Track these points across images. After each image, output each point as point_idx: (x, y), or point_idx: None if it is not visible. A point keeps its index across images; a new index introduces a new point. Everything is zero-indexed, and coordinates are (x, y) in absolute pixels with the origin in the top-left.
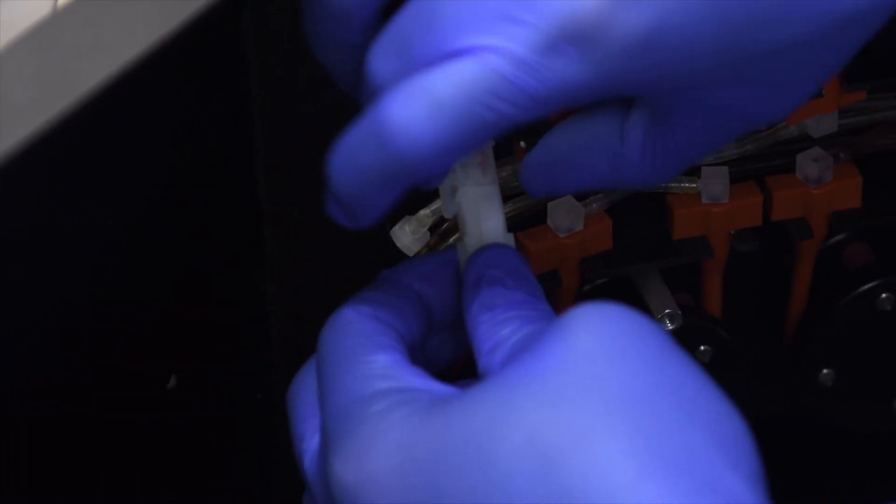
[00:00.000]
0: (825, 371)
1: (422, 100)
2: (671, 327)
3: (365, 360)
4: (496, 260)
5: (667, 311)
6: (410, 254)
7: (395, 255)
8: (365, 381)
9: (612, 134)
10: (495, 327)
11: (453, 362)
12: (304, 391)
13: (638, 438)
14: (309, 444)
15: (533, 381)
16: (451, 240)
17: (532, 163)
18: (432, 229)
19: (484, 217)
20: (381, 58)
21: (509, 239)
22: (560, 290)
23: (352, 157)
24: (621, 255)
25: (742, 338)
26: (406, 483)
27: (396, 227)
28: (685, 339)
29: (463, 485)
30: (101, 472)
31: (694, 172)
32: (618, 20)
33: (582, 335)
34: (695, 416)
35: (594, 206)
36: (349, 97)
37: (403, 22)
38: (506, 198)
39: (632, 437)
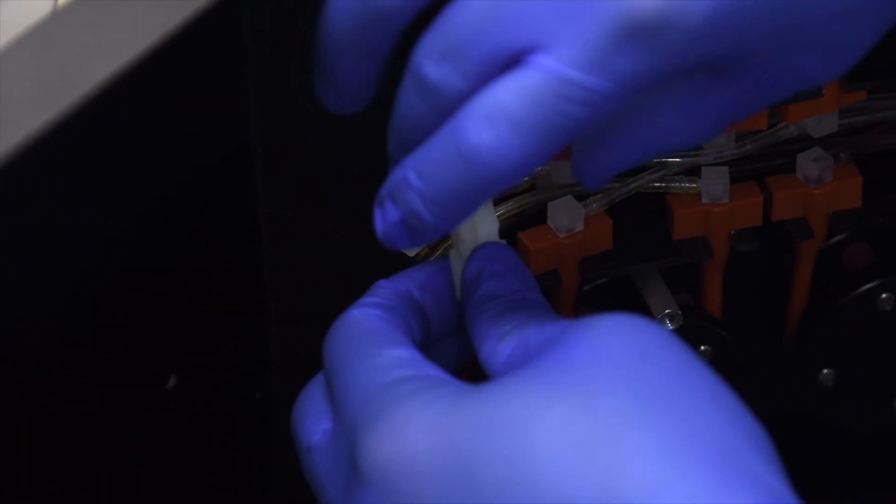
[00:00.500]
0: (825, 371)
1: (503, 121)
2: (671, 327)
3: (382, 352)
4: (495, 255)
5: (667, 311)
6: (411, 254)
7: (393, 257)
8: (387, 370)
9: (654, 102)
10: (499, 317)
11: (453, 371)
12: (307, 404)
13: (676, 432)
14: (319, 441)
15: (568, 374)
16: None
17: (579, 153)
18: None
19: (479, 224)
20: (434, 62)
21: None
22: (560, 290)
23: (436, 179)
24: (621, 255)
25: (742, 338)
26: (439, 464)
27: None
28: (685, 339)
29: (497, 468)
30: (99, 471)
31: (694, 172)
32: (678, 9)
33: (614, 336)
34: (728, 415)
35: (594, 206)
36: None
37: (454, 22)
38: (506, 197)
39: (669, 430)
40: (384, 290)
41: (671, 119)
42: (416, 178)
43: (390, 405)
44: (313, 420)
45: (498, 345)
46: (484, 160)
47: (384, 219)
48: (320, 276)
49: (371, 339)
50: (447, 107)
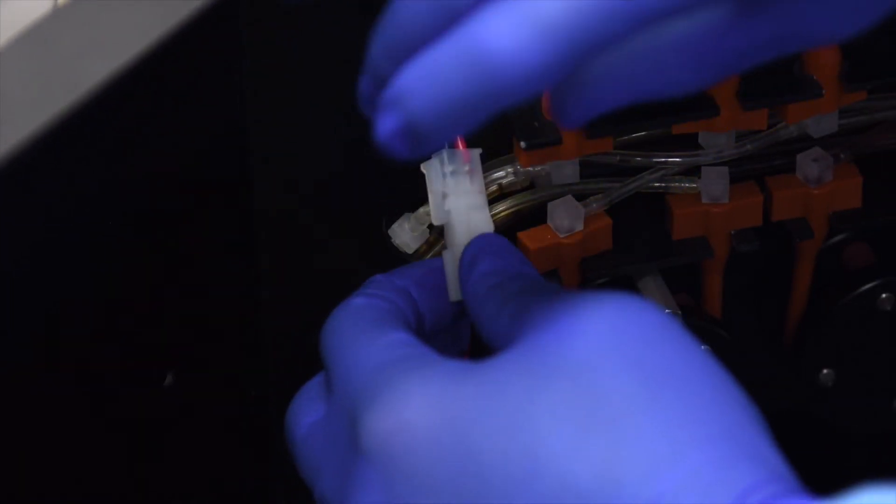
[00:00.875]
0: (825, 371)
1: (531, 26)
2: None
3: (384, 334)
4: (490, 241)
5: (667, 311)
6: (409, 251)
7: (388, 254)
8: (388, 349)
9: (664, 36)
10: (497, 287)
11: None
12: (300, 402)
13: (677, 410)
14: (313, 430)
15: (569, 351)
16: None
17: (567, 84)
18: (431, 226)
19: (474, 228)
20: None
21: None
22: None
23: (443, 84)
24: (621, 255)
25: (742, 338)
26: (439, 438)
27: (396, 225)
28: None
29: (496, 444)
30: (96, 469)
31: (694, 172)
32: None
33: (616, 316)
34: (727, 395)
35: (594, 205)
36: (345, 100)
37: None
38: (504, 195)
39: (671, 409)
40: (382, 284)
41: (677, 57)
42: (422, 82)
43: (392, 380)
44: (306, 413)
45: (498, 311)
46: (501, 66)
47: (384, 125)
48: (315, 275)
49: (372, 323)
50: (460, 11)
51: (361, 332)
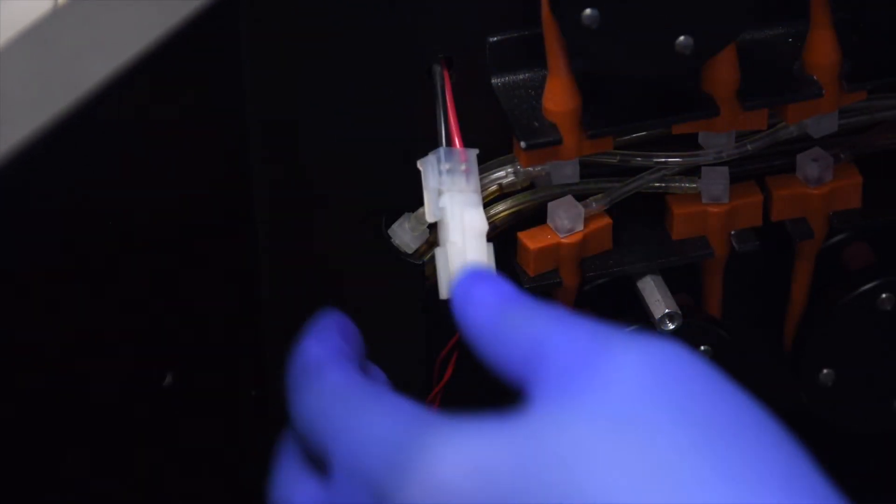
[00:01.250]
0: (825, 371)
1: None
2: (671, 327)
3: (385, 398)
4: (480, 271)
5: (667, 311)
6: (409, 251)
7: (388, 254)
8: (399, 414)
9: None
10: (502, 317)
11: None
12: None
13: (736, 455)
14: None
15: (613, 401)
16: None
17: None
18: (431, 226)
19: (468, 226)
20: None
21: (490, 249)
22: (560, 290)
23: None
24: (621, 255)
25: (742, 338)
26: (482, 499)
27: (396, 225)
28: (685, 339)
29: (550, 502)
30: (96, 470)
31: (694, 172)
32: None
33: (656, 362)
34: (783, 439)
35: (594, 205)
36: (345, 100)
37: None
38: (504, 196)
39: (730, 454)
40: (330, 350)
41: None
42: None
43: (418, 444)
44: (300, 499)
45: (510, 340)
46: None
47: None
48: (315, 275)
49: (365, 390)
50: None
51: (356, 402)
